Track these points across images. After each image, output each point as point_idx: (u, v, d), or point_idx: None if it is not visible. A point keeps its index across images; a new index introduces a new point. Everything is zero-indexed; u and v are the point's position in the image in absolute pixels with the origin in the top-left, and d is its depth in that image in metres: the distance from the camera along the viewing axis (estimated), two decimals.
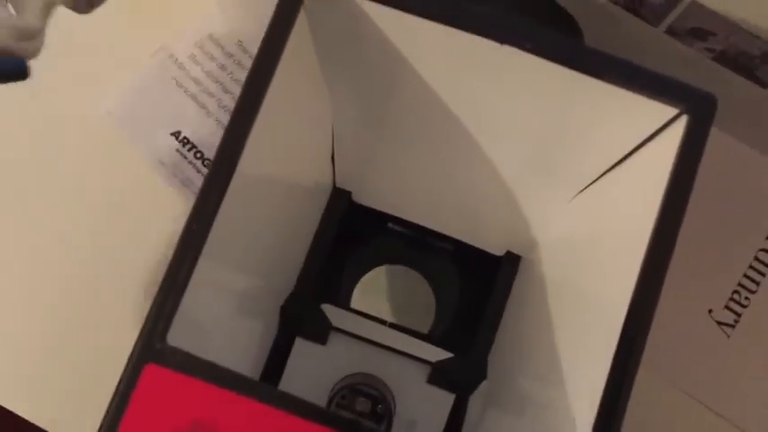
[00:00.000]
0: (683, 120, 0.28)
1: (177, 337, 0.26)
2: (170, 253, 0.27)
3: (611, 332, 0.27)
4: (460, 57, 0.30)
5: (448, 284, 0.43)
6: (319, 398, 0.39)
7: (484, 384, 0.40)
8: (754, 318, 0.46)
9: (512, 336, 0.39)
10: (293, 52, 0.29)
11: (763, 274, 0.46)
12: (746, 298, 0.46)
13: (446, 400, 0.40)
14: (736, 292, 0.46)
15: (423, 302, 0.43)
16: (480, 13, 0.28)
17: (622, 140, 0.31)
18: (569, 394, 0.31)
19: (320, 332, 0.40)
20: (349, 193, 0.42)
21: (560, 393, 0.32)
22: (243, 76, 0.48)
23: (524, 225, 0.38)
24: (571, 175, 0.34)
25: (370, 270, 0.43)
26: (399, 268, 0.43)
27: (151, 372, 0.25)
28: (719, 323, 0.46)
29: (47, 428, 0.43)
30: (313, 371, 0.40)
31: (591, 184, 0.34)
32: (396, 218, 0.42)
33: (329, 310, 0.40)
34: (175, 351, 0.26)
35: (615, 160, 0.32)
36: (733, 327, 0.46)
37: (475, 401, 0.40)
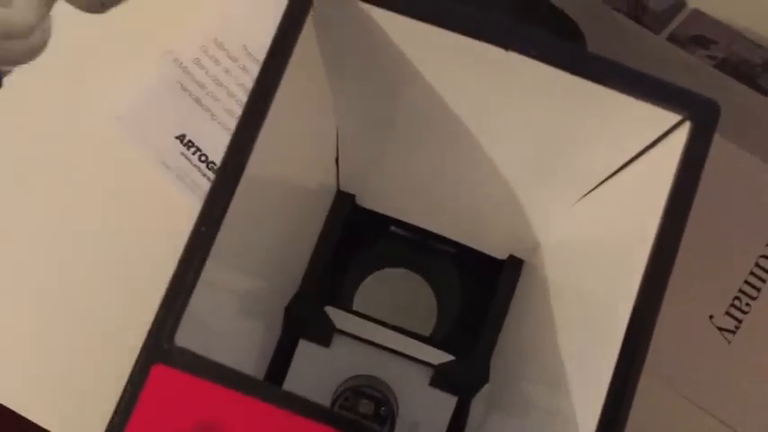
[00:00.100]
0: (687, 126, 0.28)
1: (184, 337, 0.26)
2: (174, 255, 0.27)
3: (614, 337, 0.27)
4: (465, 62, 0.30)
5: (450, 287, 0.43)
6: (322, 400, 0.39)
7: (486, 387, 0.40)
8: (755, 324, 0.46)
9: (514, 339, 0.40)
10: (300, 57, 0.29)
11: (763, 281, 0.47)
12: (747, 304, 0.46)
13: (448, 402, 0.40)
14: (737, 298, 0.46)
15: (425, 305, 0.43)
16: (486, 20, 0.28)
17: (625, 146, 0.31)
18: (572, 399, 0.31)
19: (324, 334, 0.41)
20: (353, 195, 0.42)
21: (562, 398, 0.32)
22: (247, 80, 0.49)
23: (527, 229, 0.39)
24: (574, 179, 0.35)
25: (372, 273, 0.43)
26: (402, 271, 0.44)
27: (159, 372, 0.26)
28: (720, 329, 0.46)
29: (52, 430, 0.43)
30: (316, 373, 0.40)
31: (594, 188, 0.34)
32: (399, 221, 0.43)
33: (333, 313, 0.41)
34: (183, 351, 0.26)
35: (618, 166, 0.32)
36: (734, 333, 0.46)
37: (477, 404, 0.40)
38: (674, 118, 0.28)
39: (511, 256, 0.41)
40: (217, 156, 0.47)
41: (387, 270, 0.44)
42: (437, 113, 0.34)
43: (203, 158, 0.47)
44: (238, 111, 0.39)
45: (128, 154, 0.46)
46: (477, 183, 0.38)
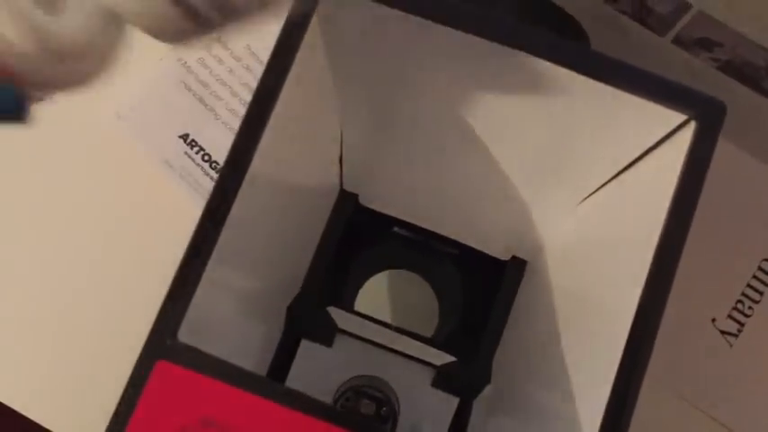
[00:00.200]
0: (692, 126, 0.28)
1: (186, 334, 0.26)
2: (177, 254, 0.27)
3: (617, 339, 0.27)
4: (470, 62, 0.30)
5: (452, 288, 0.43)
6: (324, 399, 0.39)
7: (488, 388, 0.40)
8: (758, 327, 0.46)
9: (516, 340, 0.39)
10: (305, 56, 0.29)
11: (766, 284, 0.46)
12: (750, 307, 0.46)
13: (450, 403, 0.40)
14: (739, 301, 0.46)
15: (427, 306, 0.43)
16: (492, 19, 0.28)
17: (630, 146, 0.31)
18: (574, 401, 0.31)
19: (326, 334, 0.40)
20: (356, 195, 0.42)
21: (565, 400, 0.32)
22: (251, 79, 0.49)
23: (530, 230, 0.39)
24: (578, 179, 0.35)
25: (375, 273, 0.43)
26: (404, 272, 0.44)
27: (162, 368, 0.25)
28: (723, 332, 0.46)
29: (54, 429, 0.43)
30: (318, 372, 0.40)
31: (598, 189, 0.34)
32: (402, 221, 0.42)
33: (335, 313, 0.41)
34: (186, 348, 0.26)
35: (622, 166, 0.32)
36: (736, 336, 0.46)
37: (479, 405, 0.40)
38: (679, 117, 0.28)
39: (514, 257, 0.41)
40: (220, 155, 0.47)
41: (389, 270, 0.44)
42: (441, 113, 0.34)
43: (206, 158, 0.47)
44: (242, 110, 0.40)
45: (131, 153, 0.46)
46: (480, 183, 0.38)
